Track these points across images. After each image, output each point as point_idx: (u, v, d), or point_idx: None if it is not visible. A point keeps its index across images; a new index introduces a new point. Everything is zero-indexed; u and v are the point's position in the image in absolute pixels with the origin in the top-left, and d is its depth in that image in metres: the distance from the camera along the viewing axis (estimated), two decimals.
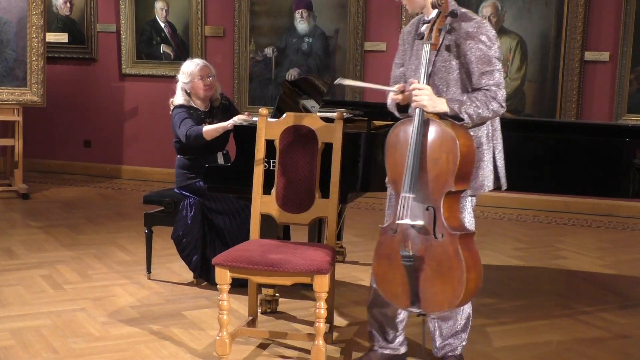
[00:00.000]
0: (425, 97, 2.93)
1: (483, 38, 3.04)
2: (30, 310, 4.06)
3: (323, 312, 3.23)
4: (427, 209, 2.92)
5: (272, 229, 3.89)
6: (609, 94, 6.64)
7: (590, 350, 3.69)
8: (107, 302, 4.22)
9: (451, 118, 2.99)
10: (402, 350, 3.44)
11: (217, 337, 3.32)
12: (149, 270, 4.66)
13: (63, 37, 8.04)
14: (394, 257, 2.98)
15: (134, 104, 8.01)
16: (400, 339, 3.42)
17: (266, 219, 3.71)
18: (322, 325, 3.24)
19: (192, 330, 3.84)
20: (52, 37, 7.83)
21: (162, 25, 7.76)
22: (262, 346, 3.65)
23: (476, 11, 6.84)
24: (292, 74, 7.33)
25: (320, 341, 3.22)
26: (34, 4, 6.81)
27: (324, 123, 3.64)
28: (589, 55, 6.66)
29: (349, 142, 3.76)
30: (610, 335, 3.90)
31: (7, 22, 6.82)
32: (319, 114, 4.19)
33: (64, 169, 8.23)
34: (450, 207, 2.95)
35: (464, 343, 3.37)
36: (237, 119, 4.22)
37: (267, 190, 3.68)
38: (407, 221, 2.92)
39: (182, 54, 7.67)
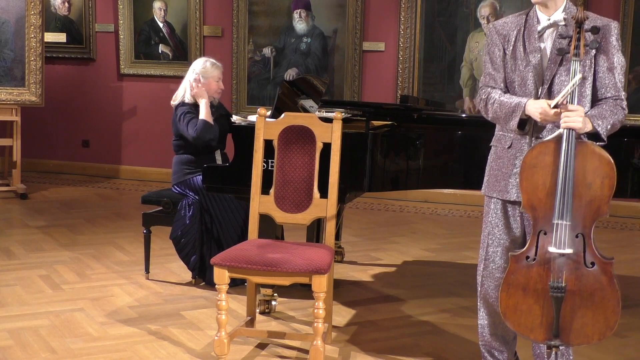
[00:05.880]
0: (579, 119, 2.72)
1: (614, 41, 2.89)
2: (28, 311, 4.06)
3: (321, 312, 3.23)
4: (577, 237, 2.76)
5: (271, 229, 3.89)
6: None
7: (588, 350, 3.68)
8: (106, 302, 4.22)
9: (590, 136, 2.82)
10: None
11: (216, 337, 3.31)
12: (147, 270, 4.65)
13: (61, 37, 8.03)
14: (530, 287, 2.81)
15: (132, 104, 8.00)
16: None
17: (264, 218, 3.71)
18: (320, 326, 3.24)
19: (191, 331, 3.84)
20: (51, 37, 7.83)
21: (161, 25, 7.75)
22: (261, 346, 3.65)
23: (474, 11, 6.84)
24: (290, 73, 7.33)
25: (318, 341, 3.22)
26: (32, 3, 6.80)
27: (322, 123, 3.64)
28: None
29: (347, 142, 3.76)
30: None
31: (5, 21, 6.81)
32: (317, 114, 4.20)
33: (62, 169, 8.22)
34: (593, 233, 2.81)
35: None
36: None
37: (265, 190, 3.68)
38: (559, 250, 2.76)
39: (181, 54, 7.67)
